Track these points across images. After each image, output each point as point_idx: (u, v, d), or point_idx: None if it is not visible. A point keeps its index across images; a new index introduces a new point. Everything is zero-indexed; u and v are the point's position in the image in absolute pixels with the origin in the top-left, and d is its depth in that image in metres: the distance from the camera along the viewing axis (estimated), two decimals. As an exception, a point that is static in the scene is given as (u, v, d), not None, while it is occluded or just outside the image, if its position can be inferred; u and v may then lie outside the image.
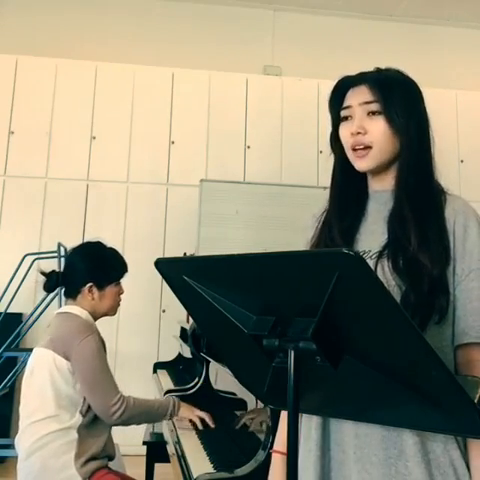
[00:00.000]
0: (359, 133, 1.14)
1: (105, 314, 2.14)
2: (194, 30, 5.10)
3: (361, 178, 1.21)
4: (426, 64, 5.23)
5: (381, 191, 1.19)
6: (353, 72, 1.23)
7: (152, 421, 2.27)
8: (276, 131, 4.88)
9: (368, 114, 1.14)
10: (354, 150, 1.15)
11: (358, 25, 5.32)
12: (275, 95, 4.94)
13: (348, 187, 1.21)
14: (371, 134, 1.13)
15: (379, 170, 1.18)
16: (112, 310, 2.15)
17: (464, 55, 5.37)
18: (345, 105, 1.17)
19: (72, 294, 2.11)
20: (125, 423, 1.99)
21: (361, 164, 1.16)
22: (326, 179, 1.27)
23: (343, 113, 1.18)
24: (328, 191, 1.23)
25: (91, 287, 2.08)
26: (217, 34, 5.13)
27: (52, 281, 2.14)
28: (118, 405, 1.92)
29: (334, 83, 1.25)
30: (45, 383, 1.94)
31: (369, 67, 1.22)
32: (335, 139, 1.20)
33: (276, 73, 5.12)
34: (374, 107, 1.13)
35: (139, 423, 2.09)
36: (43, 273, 2.15)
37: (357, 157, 1.15)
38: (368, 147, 1.14)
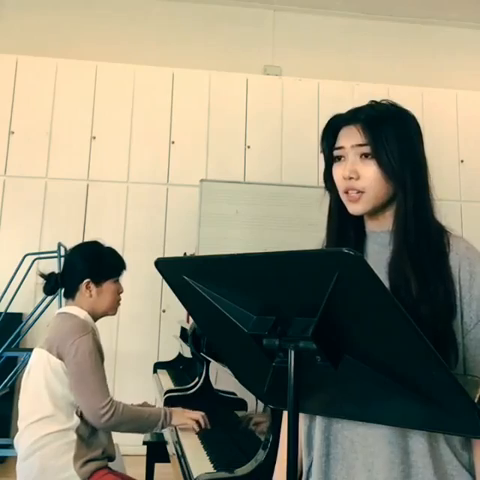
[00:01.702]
0: (351, 178, 1.11)
1: (105, 313, 2.13)
2: (194, 30, 5.10)
3: (357, 217, 1.17)
4: (426, 64, 5.23)
5: (379, 232, 1.15)
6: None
7: (143, 430, 2.10)
8: (276, 131, 4.88)
9: (361, 156, 1.11)
10: (347, 193, 1.13)
11: (358, 25, 5.32)
12: (275, 95, 4.94)
13: (346, 226, 1.17)
14: (364, 179, 1.10)
15: (375, 212, 1.14)
16: (112, 309, 2.14)
17: (464, 55, 5.37)
18: (338, 145, 1.14)
19: (71, 293, 2.11)
20: (114, 428, 1.96)
21: (354, 208, 1.13)
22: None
23: (336, 153, 1.15)
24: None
25: (88, 283, 2.07)
26: (217, 34, 5.13)
27: (51, 283, 2.13)
28: (107, 408, 1.89)
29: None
30: (40, 383, 1.94)
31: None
32: (329, 177, 1.17)
33: (276, 73, 5.12)
34: (366, 150, 1.10)
35: (129, 431, 2.01)
36: (42, 275, 2.14)
37: (350, 201, 1.13)
38: (361, 192, 1.11)
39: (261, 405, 1.74)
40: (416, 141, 1.14)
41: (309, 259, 0.81)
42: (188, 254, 4.19)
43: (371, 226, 1.17)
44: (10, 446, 3.37)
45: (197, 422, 2.06)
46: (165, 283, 0.94)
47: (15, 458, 2.01)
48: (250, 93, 4.92)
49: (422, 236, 1.09)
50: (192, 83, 4.86)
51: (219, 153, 4.78)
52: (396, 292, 1.04)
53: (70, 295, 2.11)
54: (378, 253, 1.13)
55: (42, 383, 1.93)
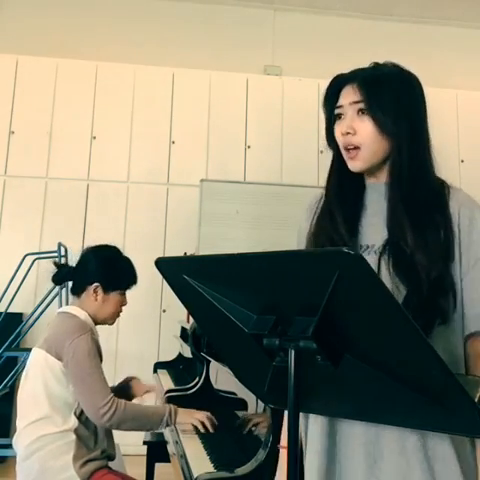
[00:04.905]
0: (349, 133, 1.15)
1: (104, 321, 2.12)
2: (194, 30, 5.10)
3: (357, 172, 1.21)
4: (426, 64, 5.21)
5: (377, 184, 1.19)
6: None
7: (147, 428, 2.10)
8: (276, 131, 4.88)
9: (358, 113, 1.14)
10: (346, 150, 1.17)
11: (358, 25, 5.32)
12: (275, 95, 4.94)
13: (346, 178, 1.21)
14: (360, 135, 1.14)
15: (373, 168, 1.18)
16: (112, 318, 2.14)
17: (464, 55, 5.37)
18: (338, 104, 1.18)
19: (78, 291, 2.10)
20: (116, 427, 1.94)
21: (353, 165, 1.17)
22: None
23: (336, 111, 1.19)
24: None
25: (97, 288, 2.07)
26: (217, 34, 5.12)
27: (62, 273, 2.13)
28: (107, 407, 1.87)
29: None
30: (37, 383, 1.93)
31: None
32: (331, 136, 1.21)
33: (276, 73, 5.12)
34: (361, 106, 1.14)
35: (132, 429, 2.00)
36: (55, 264, 2.15)
37: (349, 158, 1.17)
38: (357, 147, 1.15)
39: (261, 405, 1.74)
40: (416, 101, 1.18)
41: (309, 259, 0.81)
42: (188, 254, 4.19)
43: (369, 179, 1.21)
44: (10, 446, 3.35)
45: (202, 423, 2.03)
46: (165, 283, 0.94)
47: (15, 458, 2.01)
48: (250, 93, 4.92)
49: (417, 188, 1.12)
50: (192, 83, 4.86)
51: (219, 153, 4.78)
52: (393, 241, 1.09)
53: (77, 292, 2.11)
54: (377, 202, 1.17)
55: (40, 383, 1.93)
